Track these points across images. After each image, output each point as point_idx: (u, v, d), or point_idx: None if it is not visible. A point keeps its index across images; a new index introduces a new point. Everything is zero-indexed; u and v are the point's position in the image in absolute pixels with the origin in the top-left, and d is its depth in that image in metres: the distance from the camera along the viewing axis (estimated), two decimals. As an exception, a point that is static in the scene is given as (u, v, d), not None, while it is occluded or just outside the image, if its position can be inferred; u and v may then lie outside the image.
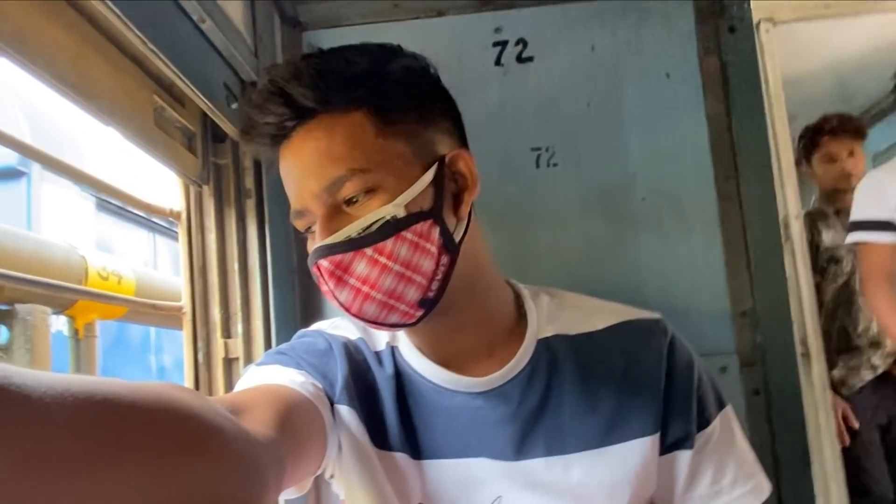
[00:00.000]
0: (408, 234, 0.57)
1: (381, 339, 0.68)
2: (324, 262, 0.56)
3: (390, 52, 0.62)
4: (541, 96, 1.04)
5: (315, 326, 0.71)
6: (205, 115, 0.88)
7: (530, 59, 1.05)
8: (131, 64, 0.76)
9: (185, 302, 0.86)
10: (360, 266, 0.56)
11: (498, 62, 1.05)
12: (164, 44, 0.69)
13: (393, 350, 0.67)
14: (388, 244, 0.56)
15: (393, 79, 0.62)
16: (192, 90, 0.77)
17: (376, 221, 0.57)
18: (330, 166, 0.57)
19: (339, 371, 0.63)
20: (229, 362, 0.86)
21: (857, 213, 1.60)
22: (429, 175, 0.60)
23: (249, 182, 0.90)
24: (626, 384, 0.63)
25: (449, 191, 0.61)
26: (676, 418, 0.63)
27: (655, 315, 0.68)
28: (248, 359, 0.86)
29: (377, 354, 0.66)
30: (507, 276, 0.71)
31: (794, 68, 2.18)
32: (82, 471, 0.27)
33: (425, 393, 0.64)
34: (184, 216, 0.88)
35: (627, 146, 1.02)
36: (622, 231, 1.01)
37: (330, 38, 1.07)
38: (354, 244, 0.56)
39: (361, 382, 0.64)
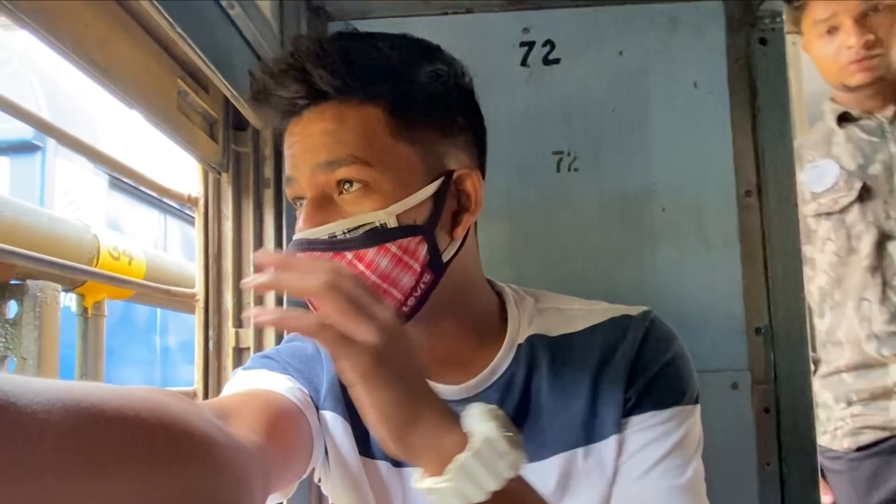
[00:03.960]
0: (392, 247, 0.55)
1: None
2: (301, 257, 0.54)
3: (424, 53, 0.61)
4: (565, 100, 1.02)
5: None
6: (227, 102, 0.88)
7: (557, 61, 1.04)
8: (157, 47, 0.75)
9: (198, 289, 0.86)
10: None
11: (524, 63, 1.04)
12: (191, 28, 0.68)
13: None
14: (370, 253, 0.54)
15: (419, 81, 0.60)
16: (217, 76, 0.76)
17: (364, 225, 0.55)
18: (334, 147, 0.56)
19: (325, 375, 0.62)
20: (240, 352, 0.86)
21: None
22: (430, 188, 0.58)
23: (269, 171, 0.90)
24: (598, 381, 0.61)
25: (449, 208, 0.59)
26: (634, 387, 0.60)
27: (643, 308, 0.65)
28: (258, 350, 0.85)
29: None
30: (506, 279, 0.70)
31: (820, 82, 2.15)
32: (69, 480, 0.27)
33: None
34: (201, 202, 0.88)
35: (650, 154, 1.01)
36: (640, 240, 1.00)
37: (355, 30, 1.06)
38: (336, 245, 0.54)
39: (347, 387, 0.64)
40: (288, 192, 0.61)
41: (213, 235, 0.88)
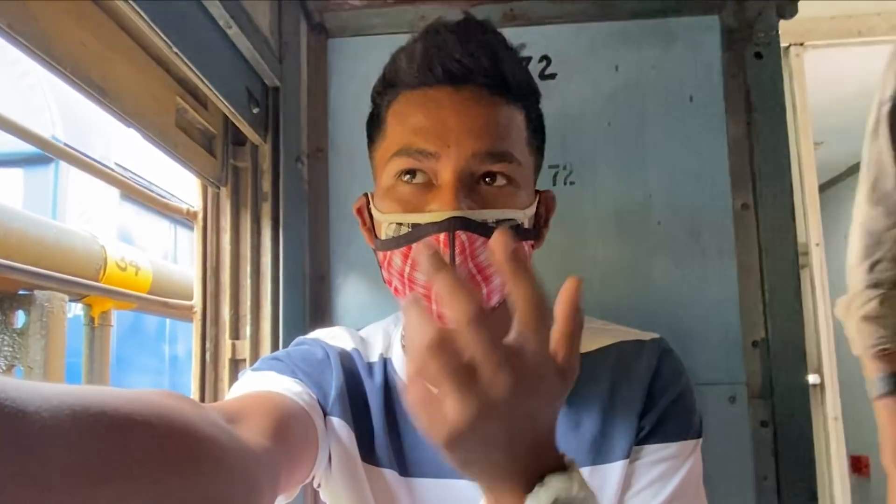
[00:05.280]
0: (525, 247, 0.59)
1: (375, 350, 0.68)
2: (462, 235, 0.53)
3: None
4: (561, 114, 1.03)
5: (313, 335, 0.71)
6: (226, 117, 0.89)
7: (553, 76, 1.05)
8: (155, 65, 0.77)
9: (196, 301, 0.87)
10: (483, 255, 0.54)
11: (520, 77, 1.05)
12: (188, 48, 0.70)
13: (385, 362, 0.66)
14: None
15: (539, 101, 0.65)
16: (215, 94, 0.78)
17: (509, 220, 0.56)
18: (498, 137, 0.57)
19: (334, 381, 0.63)
20: (236, 363, 0.87)
21: None
22: (536, 199, 0.62)
23: (266, 186, 0.91)
24: (610, 404, 0.61)
25: (538, 222, 0.64)
26: (648, 418, 0.60)
27: (654, 335, 0.66)
28: (255, 361, 0.86)
29: (369, 366, 0.66)
30: None
31: (824, 94, 2.15)
32: (77, 486, 0.27)
33: None
34: (200, 216, 0.89)
35: (646, 168, 1.01)
36: (636, 253, 1.00)
37: (356, 47, 1.08)
38: (488, 231, 0.54)
39: (354, 394, 0.64)
40: (407, 162, 0.57)
41: (211, 248, 0.89)
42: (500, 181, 0.57)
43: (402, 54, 0.61)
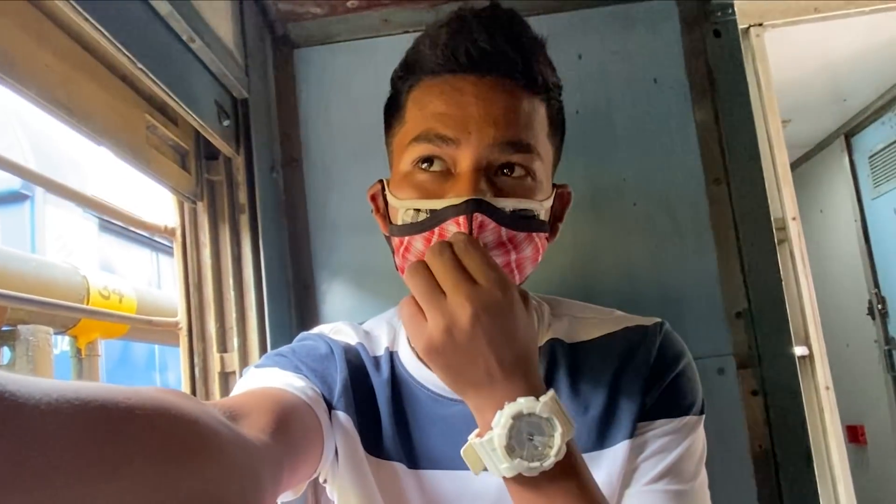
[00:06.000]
0: (537, 237, 0.58)
1: (380, 343, 0.68)
2: (481, 217, 0.53)
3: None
4: (530, 105, 1.04)
5: (317, 330, 0.70)
6: (197, 132, 0.90)
7: (518, 69, 1.06)
8: (122, 84, 0.77)
9: (180, 317, 0.87)
10: (489, 238, 0.54)
11: (487, 73, 1.06)
12: (153, 64, 0.70)
13: (392, 355, 0.66)
14: (521, 237, 0.56)
15: (560, 94, 0.65)
16: (184, 109, 0.78)
17: (525, 210, 0.56)
18: (519, 127, 0.56)
19: (339, 376, 0.62)
20: (226, 376, 0.87)
21: None
22: (552, 196, 0.62)
23: (243, 198, 0.91)
24: (615, 389, 0.62)
25: (554, 215, 0.64)
26: (650, 396, 0.62)
27: (656, 319, 0.67)
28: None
29: (375, 360, 0.66)
30: None
31: (787, 72, 2.19)
32: (78, 480, 0.27)
33: (422, 400, 0.63)
34: (178, 232, 0.89)
35: (617, 152, 1.03)
36: (614, 236, 1.01)
37: (322, 56, 1.08)
38: (504, 219, 0.54)
39: (359, 388, 0.63)
40: (427, 148, 0.57)
41: (192, 263, 0.89)
42: (519, 172, 0.56)
43: (426, 40, 0.60)
